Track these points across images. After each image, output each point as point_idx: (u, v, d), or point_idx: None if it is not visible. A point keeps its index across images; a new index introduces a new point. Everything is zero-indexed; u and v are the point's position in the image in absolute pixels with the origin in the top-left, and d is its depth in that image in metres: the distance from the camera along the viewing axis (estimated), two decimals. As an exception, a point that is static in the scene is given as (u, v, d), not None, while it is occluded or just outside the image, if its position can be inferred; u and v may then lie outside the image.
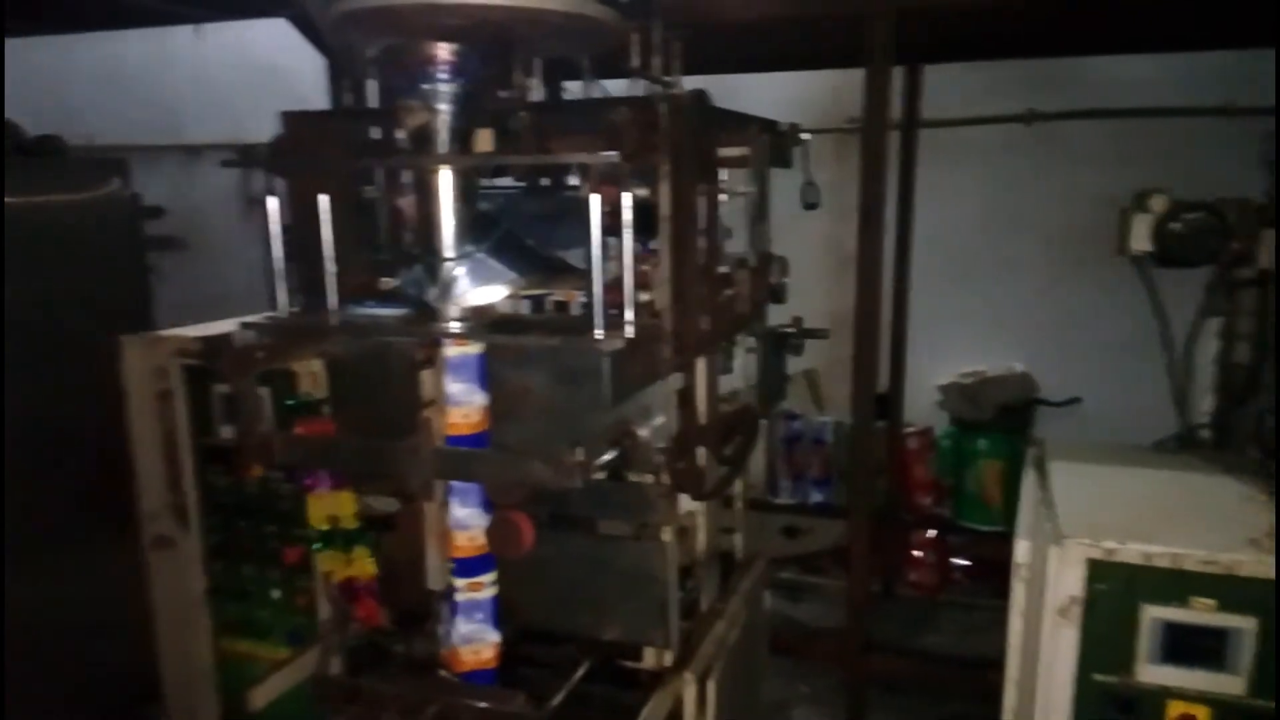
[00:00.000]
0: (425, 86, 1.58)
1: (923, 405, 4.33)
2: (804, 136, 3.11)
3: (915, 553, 4.18)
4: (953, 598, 4.11)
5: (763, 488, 4.34)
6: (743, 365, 2.51)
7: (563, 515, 1.81)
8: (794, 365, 4.12)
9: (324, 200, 1.69)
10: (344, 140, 1.88)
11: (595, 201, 1.55)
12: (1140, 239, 2.22)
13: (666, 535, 1.81)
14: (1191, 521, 1.64)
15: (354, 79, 2.02)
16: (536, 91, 2.32)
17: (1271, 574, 1.44)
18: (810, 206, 3.20)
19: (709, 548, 2.12)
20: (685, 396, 1.87)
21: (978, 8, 2.59)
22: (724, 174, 2.38)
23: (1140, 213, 2.22)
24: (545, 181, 2.00)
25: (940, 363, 4.31)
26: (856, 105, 4.20)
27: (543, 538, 1.65)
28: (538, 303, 2.00)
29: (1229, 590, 1.47)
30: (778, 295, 2.33)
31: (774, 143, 2.57)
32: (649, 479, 1.78)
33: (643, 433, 1.78)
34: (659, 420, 1.81)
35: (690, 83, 4.12)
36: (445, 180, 1.58)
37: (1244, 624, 1.47)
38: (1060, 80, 3.99)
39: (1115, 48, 3.67)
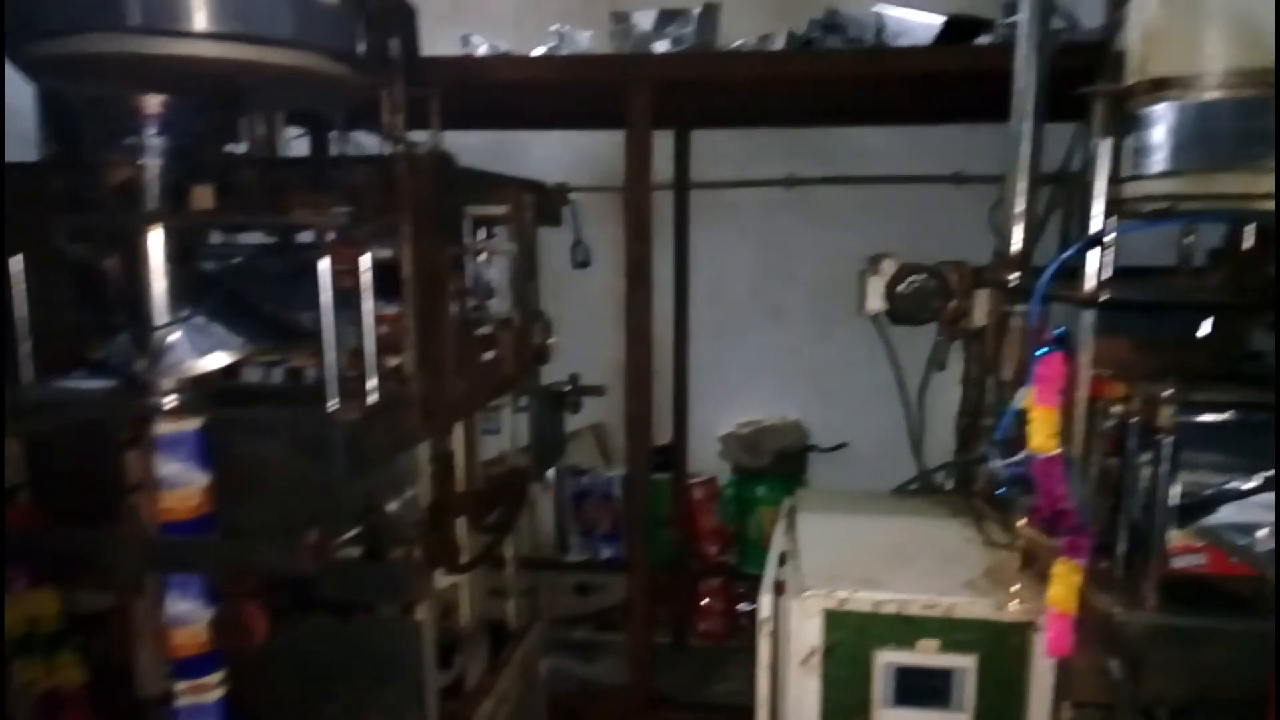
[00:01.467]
0: (132, 139, 1.45)
1: (707, 455, 4.45)
2: (572, 196, 3.17)
3: (704, 601, 4.25)
4: (740, 644, 4.19)
5: (553, 546, 4.28)
6: (513, 426, 2.48)
7: (307, 598, 1.68)
8: (582, 419, 4.15)
9: (15, 261, 1.51)
10: (47, 194, 1.69)
11: (325, 265, 1.47)
12: (874, 299, 2.38)
13: (421, 613, 1.72)
14: (918, 566, 1.74)
15: (65, 126, 1.83)
16: (282, 147, 2.21)
17: (986, 614, 1.56)
18: (580, 265, 3.25)
19: (474, 620, 2.04)
20: (440, 465, 1.80)
21: (729, 83, 2.73)
22: (485, 233, 2.36)
23: (873, 275, 2.39)
24: (278, 240, 1.88)
25: (722, 413, 4.45)
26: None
27: (281, 625, 1.52)
28: (289, 371, 1.88)
29: (950, 631, 1.57)
30: (541, 356, 2.31)
31: (541, 202, 2.57)
32: (403, 554, 1.69)
33: (392, 506, 1.69)
34: (411, 492, 1.73)
35: (471, 139, 4.10)
36: (155, 240, 1.45)
37: (965, 663, 1.57)
38: (816, 148, 4.28)
39: (863, 120, 3.99)
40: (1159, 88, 1.40)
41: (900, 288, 2.39)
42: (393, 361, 1.67)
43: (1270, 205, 1.27)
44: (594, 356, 3.10)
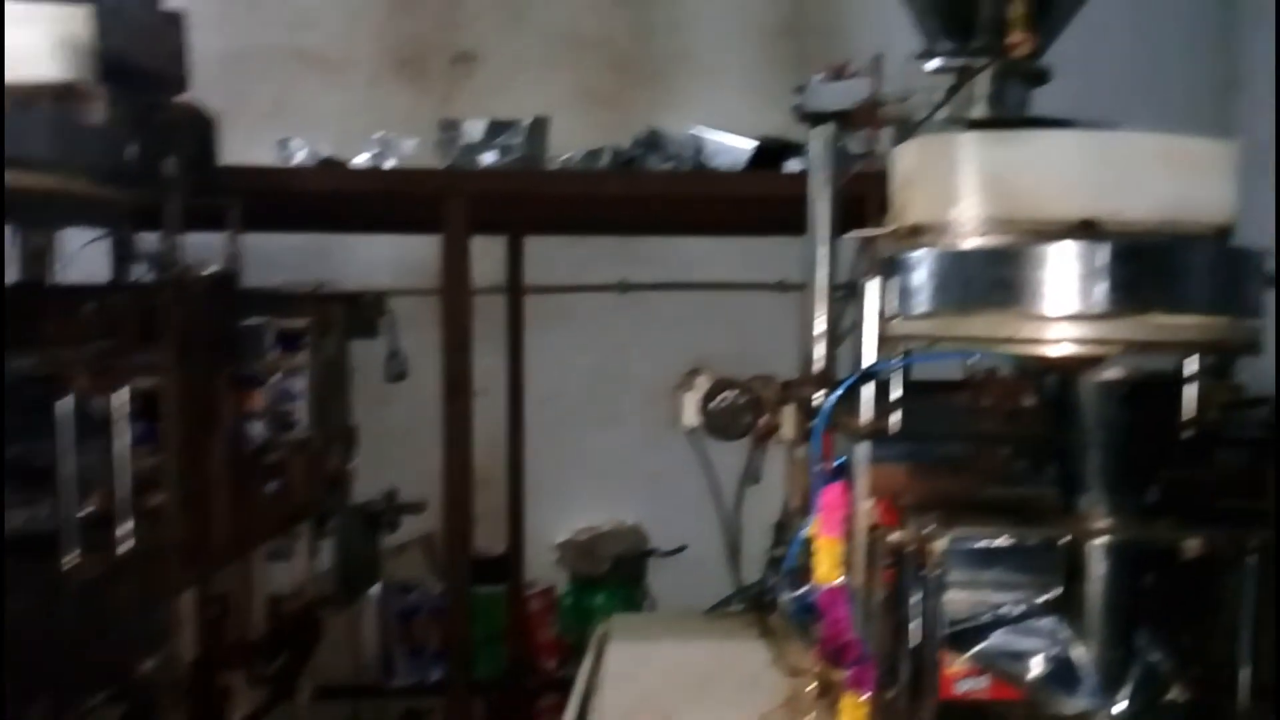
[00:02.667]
0: None
1: (544, 564, 4.34)
2: (394, 302, 3.09)
3: (541, 720, 4.07)
4: (579, 762, 4.02)
5: (376, 671, 4.02)
6: (313, 554, 2.33)
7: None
8: (411, 530, 3.97)
9: None
10: None
11: (66, 402, 1.34)
12: (689, 414, 2.39)
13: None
14: (718, 697, 1.71)
15: None
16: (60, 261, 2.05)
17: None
18: (397, 378, 3.15)
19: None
20: (209, 612, 1.65)
21: (545, 199, 2.75)
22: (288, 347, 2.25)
23: (688, 390, 2.41)
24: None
25: (560, 519, 4.37)
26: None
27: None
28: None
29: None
30: (339, 481, 2.19)
31: (353, 313, 2.49)
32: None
33: (148, 665, 1.52)
34: (171, 647, 1.57)
35: (290, 242, 3.98)
36: None
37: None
38: (649, 255, 4.38)
39: (691, 231, 4.12)
40: (916, 233, 1.49)
41: (713, 404, 2.42)
42: (154, 500, 1.54)
43: (1019, 347, 1.36)
44: (421, 468, 2.99)
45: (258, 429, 2.03)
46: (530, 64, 4.16)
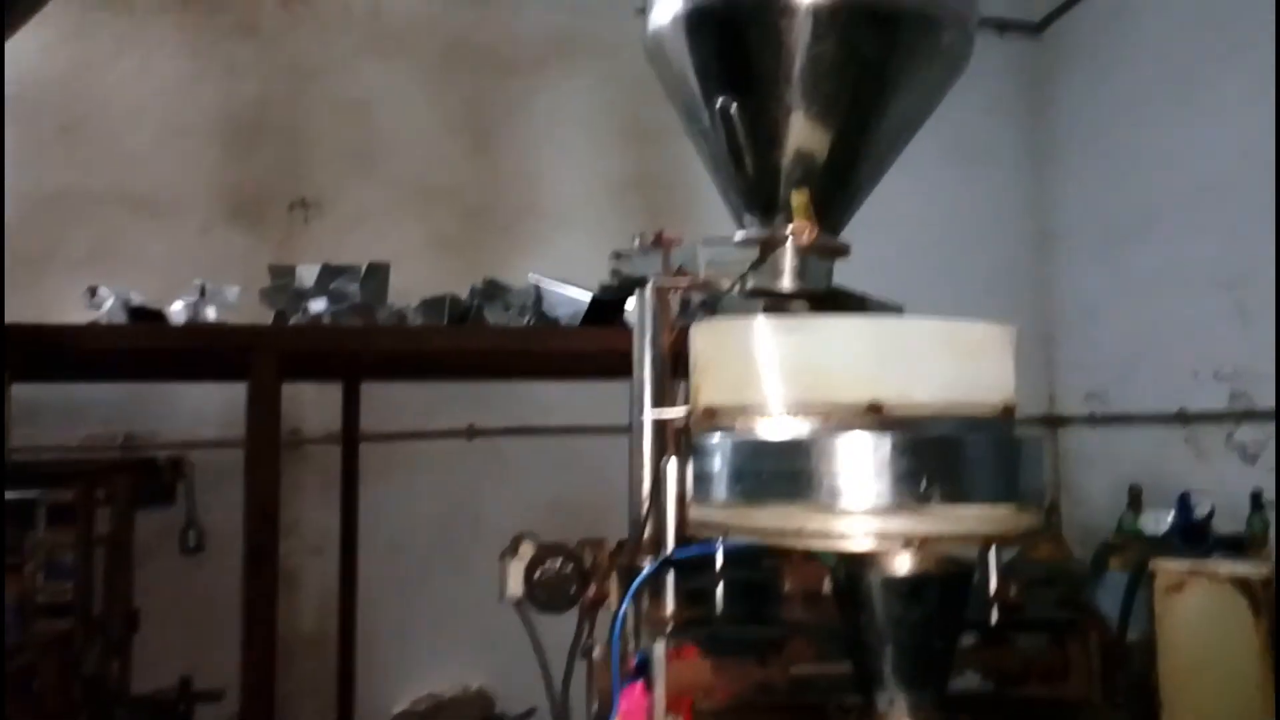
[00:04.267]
0: None
1: (379, 737, 3.99)
2: (199, 460, 2.86)
3: None
4: None
5: None
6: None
7: None
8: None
9: None
10: None
11: None
12: (514, 585, 2.25)
13: None
14: None
15: None
16: None
17: None
18: (193, 550, 2.89)
19: None
20: None
21: (362, 353, 2.64)
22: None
23: (512, 558, 2.28)
24: None
25: (400, 686, 4.05)
26: (299, 417, 4.14)
27: None
28: None
29: None
30: (98, 684, 1.94)
31: (148, 480, 2.27)
32: None
33: None
34: None
35: (104, 392, 3.68)
36: None
37: None
38: (499, 399, 4.29)
39: (539, 376, 4.06)
40: (711, 415, 1.45)
41: (538, 573, 2.29)
42: None
43: (807, 540, 1.31)
44: (223, 650, 2.69)
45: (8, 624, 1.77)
46: (377, 212, 4.12)
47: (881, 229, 3.39)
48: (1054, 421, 4.85)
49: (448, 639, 4.18)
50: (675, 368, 2.09)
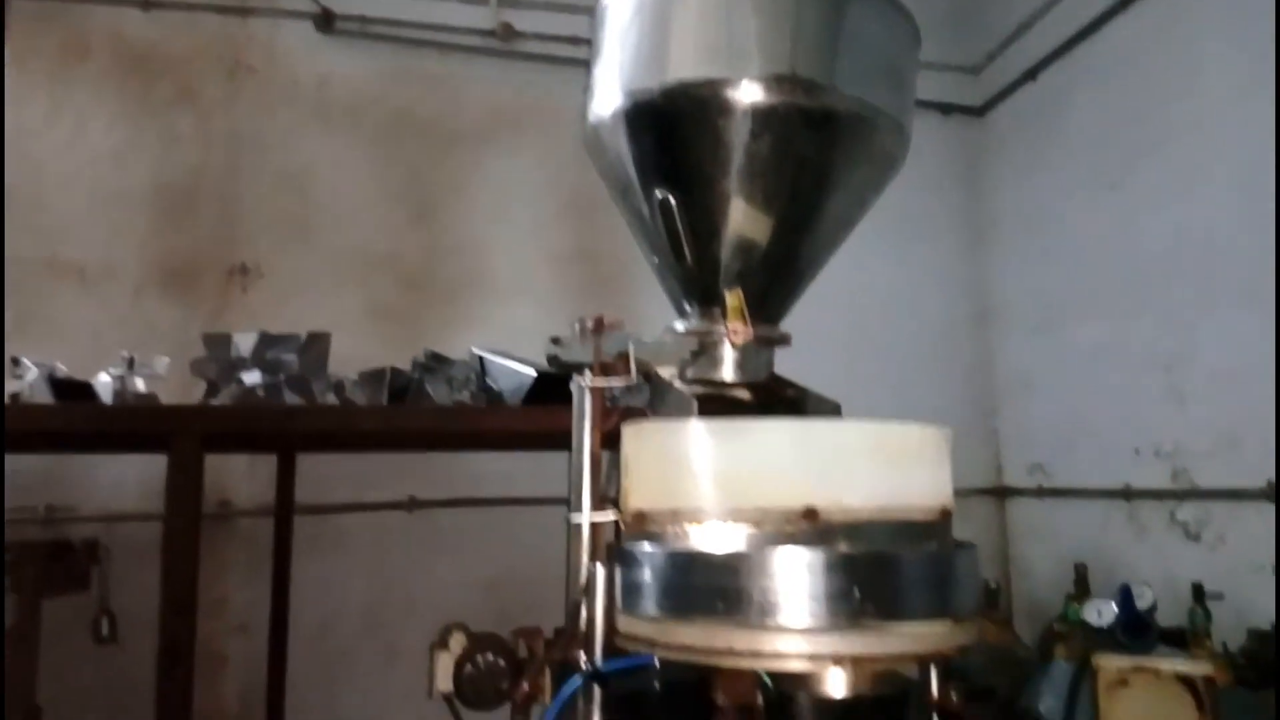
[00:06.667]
0: None
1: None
2: (109, 542, 2.72)
3: None
4: None
5: None
6: None
7: None
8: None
9: None
10: None
11: None
12: (443, 679, 2.15)
13: None
14: None
15: None
16: None
17: None
18: (106, 640, 2.72)
19: None
20: None
21: (288, 435, 2.54)
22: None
23: (442, 651, 2.18)
24: None
25: (327, 782, 3.86)
26: (228, 488, 4.00)
27: None
28: None
29: None
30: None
31: (59, 566, 2.14)
32: None
33: None
34: None
35: (22, 463, 3.51)
36: None
37: None
38: (438, 471, 4.17)
39: (482, 448, 3.97)
40: (641, 520, 1.41)
41: (467, 668, 2.19)
42: None
43: (737, 660, 1.26)
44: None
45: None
46: (316, 280, 4.04)
47: (823, 304, 3.42)
48: (1001, 493, 4.87)
49: (379, 724, 4.01)
50: (613, 454, 2.05)
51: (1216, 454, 3.58)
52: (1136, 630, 2.40)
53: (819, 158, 1.72)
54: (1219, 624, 2.99)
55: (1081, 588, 3.34)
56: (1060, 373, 4.46)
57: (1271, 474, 3.25)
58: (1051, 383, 4.54)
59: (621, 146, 1.85)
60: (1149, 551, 3.83)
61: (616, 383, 1.79)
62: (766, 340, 1.93)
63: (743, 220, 1.79)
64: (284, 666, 3.65)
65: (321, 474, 3.93)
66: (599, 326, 2.20)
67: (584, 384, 1.80)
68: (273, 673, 3.60)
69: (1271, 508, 3.24)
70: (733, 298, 1.55)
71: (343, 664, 3.96)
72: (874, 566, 1.27)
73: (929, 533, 1.42)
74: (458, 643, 2.27)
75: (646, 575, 1.33)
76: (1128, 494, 3.98)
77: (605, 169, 1.97)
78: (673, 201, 1.81)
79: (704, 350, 1.86)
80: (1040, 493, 4.60)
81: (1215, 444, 3.58)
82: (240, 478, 3.91)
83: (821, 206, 1.81)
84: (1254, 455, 3.34)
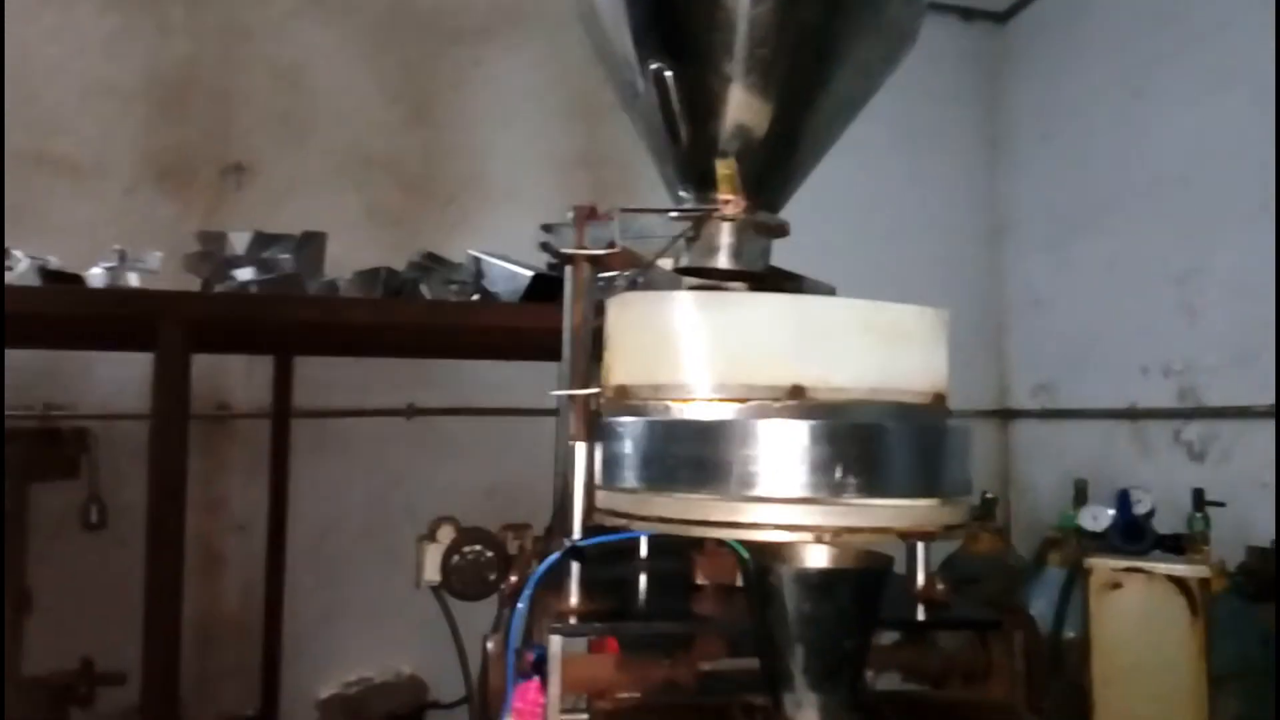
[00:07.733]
0: None
1: (309, 725, 3.87)
2: (101, 432, 2.71)
3: None
4: None
5: None
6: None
7: None
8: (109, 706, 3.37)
9: None
10: None
11: None
12: (431, 570, 2.16)
13: None
14: None
15: None
16: None
17: None
18: (95, 526, 2.75)
19: None
20: None
21: (280, 325, 2.51)
22: None
23: (430, 543, 2.18)
24: None
25: (328, 671, 3.92)
26: (227, 391, 3.99)
27: None
28: None
29: None
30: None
31: (50, 452, 2.13)
32: None
33: None
34: None
35: (17, 359, 3.50)
36: None
37: None
38: (438, 378, 4.16)
39: (483, 356, 3.94)
40: (622, 395, 1.36)
41: (455, 559, 2.19)
42: None
43: (713, 531, 1.23)
44: (127, 630, 2.56)
45: None
46: (312, 181, 3.96)
47: (828, 213, 3.33)
48: (1005, 415, 4.83)
49: (378, 624, 4.06)
50: (596, 345, 2.01)
51: (1226, 370, 3.52)
52: (1133, 534, 2.37)
53: (824, 25, 1.62)
54: (1218, 541, 2.97)
55: (1081, 501, 3.32)
56: (1071, 290, 4.38)
57: (1282, 391, 3.19)
58: (1061, 300, 4.46)
59: (617, 17, 1.75)
60: (1151, 470, 3.80)
61: (597, 254, 1.72)
62: (764, 228, 1.85)
63: (742, 95, 1.70)
64: (282, 566, 3.70)
65: (322, 380, 3.92)
66: (592, 214, 2.13)
67: (568, 252, 1.74)
68: (271, 572, 3.65)
69: (1279, 425, 3.19)
70: (724, 166, 1.48)
71: (343, 564, 4.00)
72: (859, 439, 1.22)
73: (921, 416, 1.37)
74: (446, 535, 2.28)
75: (626, 447, 1.29)
76: (1133, 414, 3.93)
77: (601, 45, 1.88)
78: (668, 75, 1.72)
79: (696, 233, 1.78)
80: (1045, 414, 4.56)
81: (1226, 360, 3.51)
82: (238, 381, 3.90)
83: (826, 82, 1.71)
84: (1265, 371, 3.27)
